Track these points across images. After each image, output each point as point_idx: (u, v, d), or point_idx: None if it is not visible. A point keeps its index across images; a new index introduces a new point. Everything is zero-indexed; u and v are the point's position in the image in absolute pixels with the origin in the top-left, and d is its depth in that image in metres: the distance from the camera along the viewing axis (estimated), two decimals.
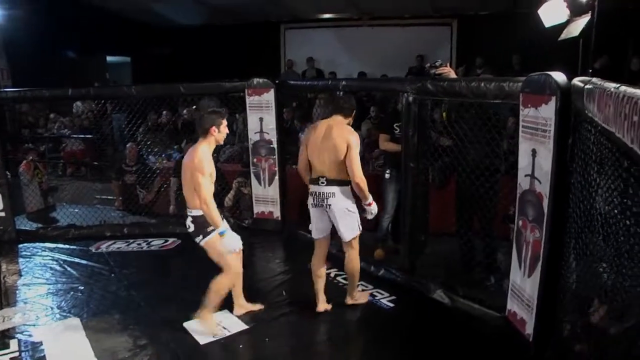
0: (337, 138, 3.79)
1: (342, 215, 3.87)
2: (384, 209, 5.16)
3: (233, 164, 7.35)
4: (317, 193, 3.88)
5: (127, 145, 7.52)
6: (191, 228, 3.78)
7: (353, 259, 4.04)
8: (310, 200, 3.94)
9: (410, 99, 4.38)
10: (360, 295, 4.30)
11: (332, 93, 5.07)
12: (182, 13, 12.05)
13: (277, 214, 6.14)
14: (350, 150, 3.76)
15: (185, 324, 3.93)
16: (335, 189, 3.83)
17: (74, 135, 9.69)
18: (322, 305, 4.12)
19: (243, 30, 12.31)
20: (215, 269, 3.97)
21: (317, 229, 4.02)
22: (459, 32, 11.35)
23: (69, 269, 5.23)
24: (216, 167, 6.87)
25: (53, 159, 9.51)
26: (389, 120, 5.21)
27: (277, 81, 6.11)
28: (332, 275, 4.75)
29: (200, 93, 7.50)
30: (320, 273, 4.10)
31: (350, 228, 3.91)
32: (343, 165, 3.78)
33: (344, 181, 3.83)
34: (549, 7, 4.49)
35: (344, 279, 4.53)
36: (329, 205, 3.86)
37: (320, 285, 4.12)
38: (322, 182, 3.85)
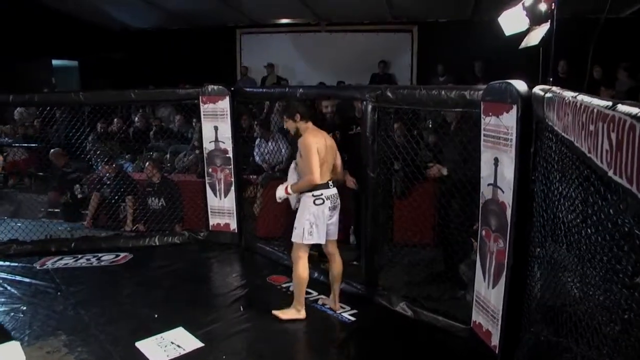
0: (332, 142, 4.18)
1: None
2: None
3: (188, 175, 7.27)
4: (333, 195, 4.12)
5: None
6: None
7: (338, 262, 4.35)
8: (327, 204, 4.06)
9: (370, 107, 4.40)
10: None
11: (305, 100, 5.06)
12: (135, 16, 11.86)
13: (233, 226, 6.09)
14: (338, 152, 4.28)
15: (138, 344, 3.84)
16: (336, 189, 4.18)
17: (17, 144, 9.37)
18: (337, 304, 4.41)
19: (198, 35, 12.22)
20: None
21: (333, 232, 4.25)
22: (420, 38, 11.52)
23: (9, 288, 5.03)
24: (170, 177, 6.84)
25: None
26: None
27: (232, 88, 6.08)
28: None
29: (152, 100, 7.44)
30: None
31: None
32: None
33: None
34: (509, 15, 4.59)
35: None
36: (339, 204, 4.18)
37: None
38: (332, 185, 4.11)
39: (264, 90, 7.31)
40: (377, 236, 4.64)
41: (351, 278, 4.75)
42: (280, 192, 4.17)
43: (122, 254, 5.90)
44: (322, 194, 4.04)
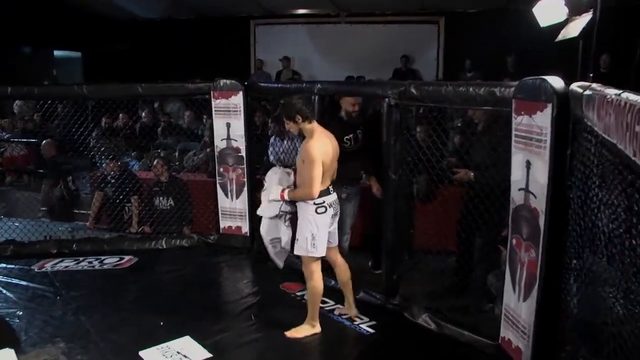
0: (337, 144, 4.11)
1: None
2: (342, 228, 5.17)
3: (198, 174, 7.29)
4: (335, 202, 4.09)
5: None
6: None
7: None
8: (330, 212, 4.02)
9: (392, 104, 4.38)
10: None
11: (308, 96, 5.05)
12: (141, 5, 11.96)
13: (245, 229, 6.09)
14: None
15: (142, 353, 3.85)
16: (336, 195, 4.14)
17: (15, 140, 9.47)
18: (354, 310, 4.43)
19: (209, 26, 12.28)
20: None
21: (334, 239, 4.24)
22: (447, 30, 11.48)
23: (4, 291, 5.05)
24: (179, 177, 6.88)
25: None
26: (335, 132, 5.17)
27: (245, 83, 6.07)
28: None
29: (160, 94, 7.47)
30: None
31: None
32: None
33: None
34: (545, 5, 4.52)
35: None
36: (339, 210, 4.19)
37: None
38: (332, 190, 4.07)
39: (280, 85, 7.33)
40: (398, 242, 4.61)
41: (370, 287, 4.74)
42: (274, 195, 4.09)
43: (127, 257, 5.92)
44: (324, 202, 3.97)
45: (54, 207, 7.65)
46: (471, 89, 3.78)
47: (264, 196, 4.27)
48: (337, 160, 4.11)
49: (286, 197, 4.03)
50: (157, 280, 5.37)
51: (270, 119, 7.09)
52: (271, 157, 6.81)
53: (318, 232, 3.97)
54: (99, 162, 7.59)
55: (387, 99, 4.40)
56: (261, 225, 4.37)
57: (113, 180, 6.94)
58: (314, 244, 3.97)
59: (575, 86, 2.92)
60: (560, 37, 4.45)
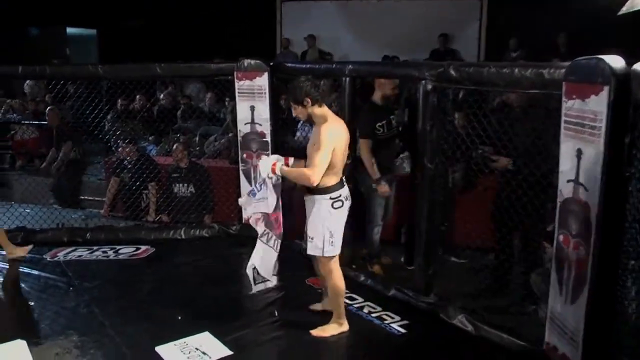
0: (348, 133, 4.01)
1: None
2: (372, 220, 5.21)
3: (219, 160, 7.31)
4: (349, 195, 4.01)
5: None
6: None
7: None
8: (347, 206, 3.96)
9: (429, 87, 4.32)
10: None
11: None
12: None
13: None
14: None
15: (158, 349, 3.88)
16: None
17: (26, 122, 9.59)
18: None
19: (231, 2, 12.26)
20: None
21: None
22: (490, 6, 11.28)
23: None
24: (200, 162, 6.92)
25: None
26: (367, 118, 5.10)
27: (271, 63, 6.05)
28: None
29: (180, 75, 7.47)
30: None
31: None
32: None
33: None
34: None
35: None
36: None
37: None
38: (345, 182, 4.00)
39: (308, 66, 7.24)
40: (433, 236, 4.56)
41: (402, 284, 4.72)
42: (265, 167, 3.93)
43: (143, 247, 5.97)
44: (339, 196, 3.89)
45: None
46: (516, 71, 3.70)
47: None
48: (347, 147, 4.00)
49: (277, 172, 3.90)
50: (175, 272, 5.39)
51: None
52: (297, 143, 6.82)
53: (336, 229, 3.91)
54: (114, 147, 7.66)
55: (423, 82, 4.35)
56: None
57: (130, 166, 7.00)
58: (332, 242, 3.90)
59: (638, 66, 2.83)
60: (624, 9, 4.29)
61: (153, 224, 6.65)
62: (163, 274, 5.29)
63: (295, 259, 4.90)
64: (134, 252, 5.89)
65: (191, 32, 12.09)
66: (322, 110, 3.89)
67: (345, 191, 3.95)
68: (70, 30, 12.92)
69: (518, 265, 4.61)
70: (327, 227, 3.88)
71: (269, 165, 3.93)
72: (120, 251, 5.91)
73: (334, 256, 3.98)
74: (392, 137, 5.15)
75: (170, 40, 11.88)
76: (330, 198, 3.86)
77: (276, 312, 4.45)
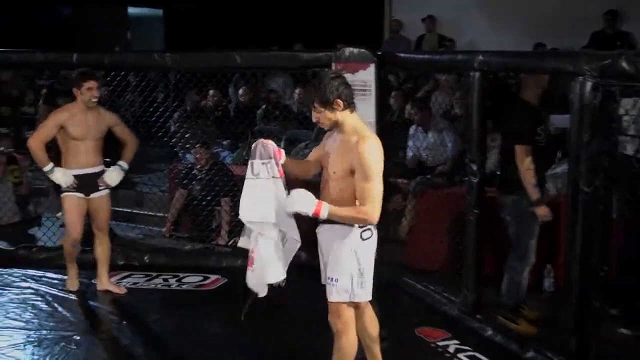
0: None
1: None
2: (525, 257, 4.93)
3: None
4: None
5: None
6: None
7: None
8: (376, 236, 3.78)
9: (589, 85, 4.06)
10: None
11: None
12: None
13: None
14: None
15: None
16: None
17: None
18: None
19: None
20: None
21: None
22: None
23: (60, 309, 5.23)
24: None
25: None
26: (525, 120, 4.91)
27: (379, 53, 5.97)
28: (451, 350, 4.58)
29: (264, 66, 7.47)
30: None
31: None
32: None
33: None
34: None
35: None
36: None
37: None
38: None
39: (426, 56, 7.12)
40: (585, 278, 4.27)
41: (544, 343, 4.47)
42: (304, 205, 3.60)
43: (213, 277, 6.00)
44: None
45: None
46: None
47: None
48: None
49: (322, 215, 3.59)
50: (251, 308, 5.32)
51: (410, 103, 6.95)
52: (410, 153, 6.68)
53: (366, 266, 3.68)
54: (181, 152, 7.70)
55: (580, 78, 4.10)
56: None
57: (200, 176, 6.98)
58: (361, 284, 3.68)
59: None
60: None
61: (225, 248, 6.63)
62: (235, 311, 5.20)
63: (403, 302, 4.74)
64: (201, 282, 5.92)
65: (277, 13, 12.15)
66: (354, 119, 3.65)
67: None
68: (132, 10, 13.24)
69: None
70: (354, 264, 3.66)
71: (312, 205, 3.59)
72: (184, 280, 5.95)
73: (356, 304, 3.78)
74: (546, 147, 4.92)
75: (250, 24, 11.96)
76: (359, 227, 3.63)
77: None
